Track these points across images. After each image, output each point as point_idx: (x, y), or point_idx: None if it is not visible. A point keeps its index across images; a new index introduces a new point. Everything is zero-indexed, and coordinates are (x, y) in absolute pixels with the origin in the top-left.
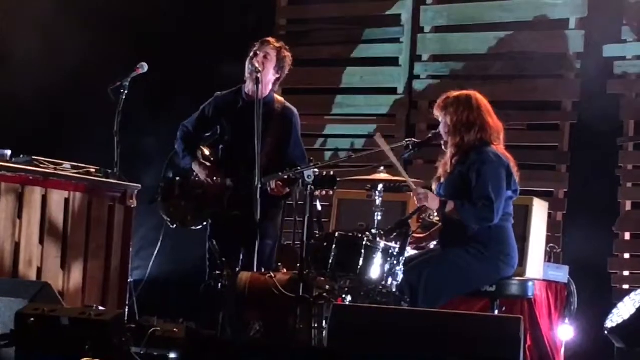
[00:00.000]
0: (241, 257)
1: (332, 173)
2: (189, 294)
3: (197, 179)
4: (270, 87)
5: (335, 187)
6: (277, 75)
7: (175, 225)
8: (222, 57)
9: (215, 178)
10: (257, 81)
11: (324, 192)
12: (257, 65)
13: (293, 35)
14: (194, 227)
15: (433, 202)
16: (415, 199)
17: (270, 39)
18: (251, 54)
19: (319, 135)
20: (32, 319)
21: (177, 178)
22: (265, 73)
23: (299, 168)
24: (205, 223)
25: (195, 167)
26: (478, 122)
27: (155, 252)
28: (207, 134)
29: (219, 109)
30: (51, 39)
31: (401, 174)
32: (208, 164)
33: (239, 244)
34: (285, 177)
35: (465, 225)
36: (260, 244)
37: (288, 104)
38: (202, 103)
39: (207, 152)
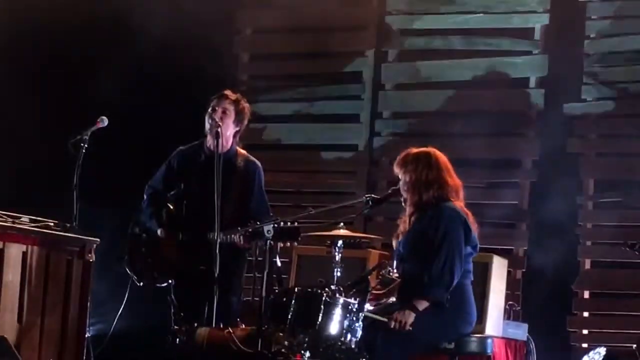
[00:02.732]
0: (206, 312)
1: (295, 224)
2: (149, 348)
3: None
4: (230, 140)
5: (298, 239)
6: (237, 128)
7: (142, 283)
8: (183, 110)
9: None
10: (217, 135)
11: (287, 244)
12: (216, 119)
13: (254, 90)
14: (160, 285)
15: (410, 317)
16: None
17: (228, 93)
18: (209, 109)
19: (279, 192)
20: None
21: (143, 235)
22: (225, 128)
23: (258, 223)
24: (171, 280)
25: (161, 235)
26: (437, 181)
27: (122, 306)
28: (173, 191)
29: (182, 163)
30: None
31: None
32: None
33: (203, 298)
34: (244, 232)
35: (422, 280)
36: (226, 299)
37: (251, 158)
38: (162, 156)
39: (171, 207)
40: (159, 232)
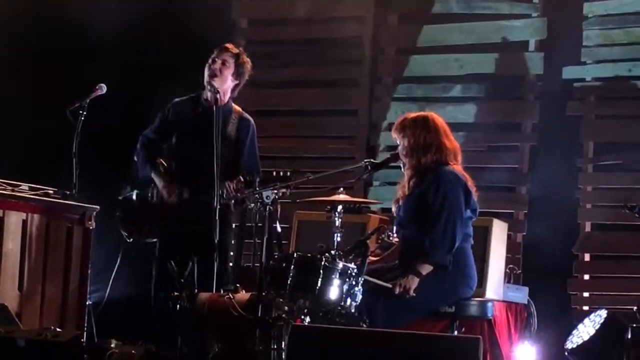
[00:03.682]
0: (195, 274)
1: (288, 173)
2: (148, 315)
3: (155, 190)
4: (229, 94)
5: (289, 185)
6: (236, 82)
7: (132, 239)
8: (181, 77)
9: (171, 191)
10: (215, 101)
11: (278, 193)
12: (214, 84)
13: (253, 56)
14: (150, 240)
15: (414, 282)
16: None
17: (229, 45)
18: (209, 60)
19: (279, 157)
20: None
21: (136, 191)
22: (223, 80)
23: (257, 188)
24: (161, 236)
25: (155, 177)
26: (435, 144)
27: (114, 272)
28: (165, 144)
29: (176, 115)
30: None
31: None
32: (166, 176)
33: (191, 261)
34: (234, 188)
35: (423, 245)
36: (211, 266)
37: (245, 114)
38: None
39: (164, 163)
40: (153, 175)
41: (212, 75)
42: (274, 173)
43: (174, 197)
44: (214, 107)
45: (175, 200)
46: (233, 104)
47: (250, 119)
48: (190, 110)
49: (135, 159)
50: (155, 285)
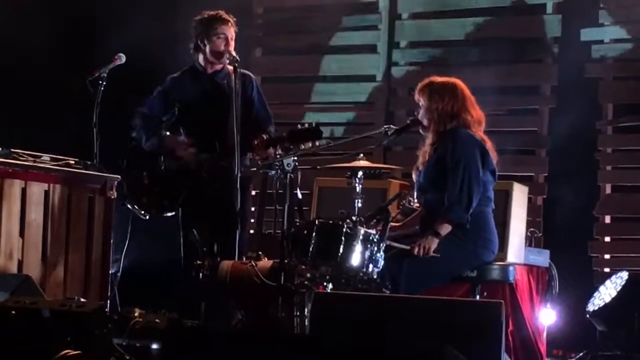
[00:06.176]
0: (216, 246)
1: (313, 124)
2: (170, 284)
3: (166, 160)
4: None
5: (320, 137)
6: None
7: (148, 215)
8: None
9: (185, 146)
10: (235, 69)
11: (310, 145)
12: (233, 53)
13: (270, 23)
14: (170, 213)
15: (433, 242)
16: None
17: (230, 18)
18: (219, 35)
19: (298, 124)
20: (13, 312)
21: (143, 171)
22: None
23: (278, 156)
24: (181, 207)
25: (168, 140)
26: (462, 114)
27: (126, 244)
28: (165, 117)
29: (176, 89)
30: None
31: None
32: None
33: (215, 231)
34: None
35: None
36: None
37: (243, 70)
38: None
39: (168, 134)
40: (165, 139)
41: (227, 52)
42: (299, 126)
43: (191, 151)
44: (233, 76)
45: (192, 154)
46: (227, 66)
47: (249, 72)
48: (191, 84)
49: (135, 135)
50: (184, 255)
